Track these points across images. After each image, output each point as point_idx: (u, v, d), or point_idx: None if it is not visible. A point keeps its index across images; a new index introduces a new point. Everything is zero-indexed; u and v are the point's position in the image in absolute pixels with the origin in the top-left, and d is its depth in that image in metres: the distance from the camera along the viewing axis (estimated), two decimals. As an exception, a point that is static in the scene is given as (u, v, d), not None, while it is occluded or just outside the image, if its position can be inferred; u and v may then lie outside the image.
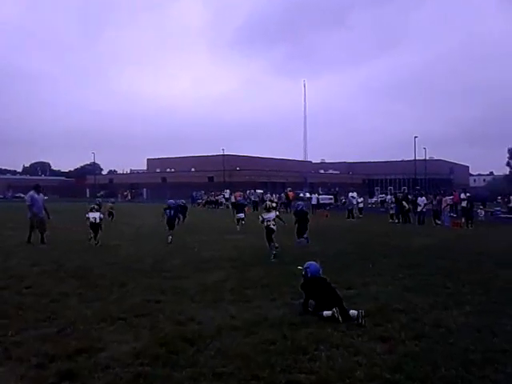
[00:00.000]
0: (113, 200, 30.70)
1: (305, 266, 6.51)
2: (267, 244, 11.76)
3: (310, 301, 6.08)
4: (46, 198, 15.56)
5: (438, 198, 24.65)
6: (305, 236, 13.55)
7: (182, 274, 8.64)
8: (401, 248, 12.99)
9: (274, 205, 14.77)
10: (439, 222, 22.44)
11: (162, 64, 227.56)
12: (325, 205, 38.39)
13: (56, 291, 7.15)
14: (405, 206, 24.00)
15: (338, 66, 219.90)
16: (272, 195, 40.19)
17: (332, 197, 43.45)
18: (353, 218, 27.18)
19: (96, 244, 12.98)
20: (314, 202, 35.54)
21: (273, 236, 11.65)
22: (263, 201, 39.59)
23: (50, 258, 10.70)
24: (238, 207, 20.09)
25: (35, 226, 13.44)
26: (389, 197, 25.88)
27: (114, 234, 16.64)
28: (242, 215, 19.06)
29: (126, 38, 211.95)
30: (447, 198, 24.08)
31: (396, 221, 24.25)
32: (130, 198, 70.22)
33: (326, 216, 28.43)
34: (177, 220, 15.18)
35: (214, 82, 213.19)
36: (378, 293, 7.28)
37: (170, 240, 13.78)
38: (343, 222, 24.76)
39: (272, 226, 11.79)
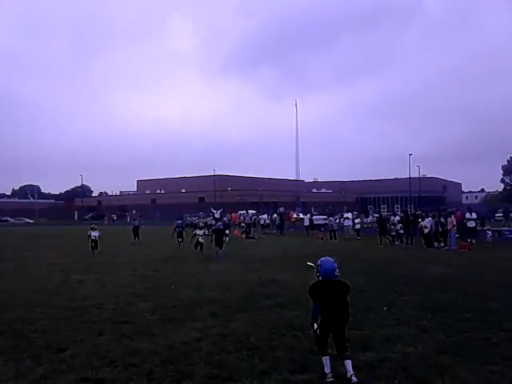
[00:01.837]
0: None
1: (318, 262, 4.83)
2: (195, 250, 16.83)
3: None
4: None
5: (441, 218, 22.65)
6: (222, 250, 16.49)
7: (146, 329, 6.63)
8: (415, 281, 11.03)
9: (203, 225, 20.23)
10: (442, 245, 20.66)
11: (153, 88, 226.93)
12: (319, 225, 36.12)
13: (-38, 365, 5.16)
14: (393, 228, 23.13)
15: (328, 88, 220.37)
16: (268, 215, 37.85)
17: (326, 217, 40.43)
18: (335, 239, 25.98)
19: (93, 255, 17.11)
20: (306, 223, 33.32)
21: (203, 247, 16.82)
22: (255, 223, 37.69)
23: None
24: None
25: None
26: (395, 217, 23.96)
27: (86, 265, 14.64)
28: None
29: (116, 62, 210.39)
30: (453, 217, 22.24)
31: (390, 243, 22.76)
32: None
33: (322, 238, 26.40)
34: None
35: (205, 106, 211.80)
36: (405, 356, 5.39)
37: (180, 246, 19.91)
38: (340, 245, 22.82)
39: (201, 240, 16.83)
